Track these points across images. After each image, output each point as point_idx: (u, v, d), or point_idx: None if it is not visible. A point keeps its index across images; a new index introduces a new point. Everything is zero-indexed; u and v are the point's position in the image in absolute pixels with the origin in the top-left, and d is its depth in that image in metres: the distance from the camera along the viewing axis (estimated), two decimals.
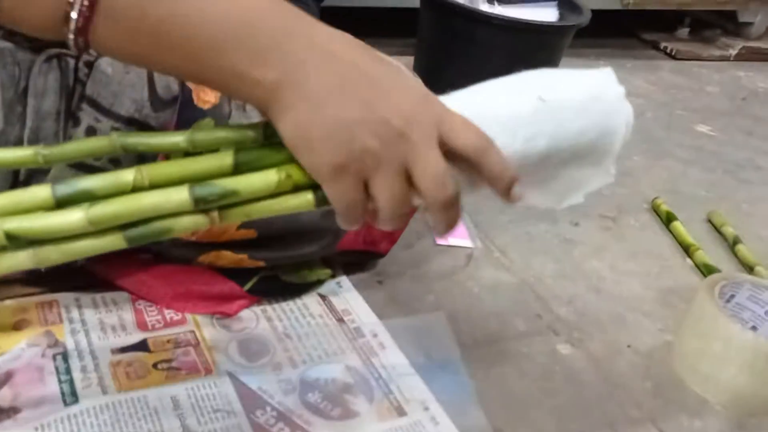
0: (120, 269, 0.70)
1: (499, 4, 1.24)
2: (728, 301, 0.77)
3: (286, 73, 0.39)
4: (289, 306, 0.74)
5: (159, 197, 0.40)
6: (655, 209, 1.07)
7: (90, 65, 0.59)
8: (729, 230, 1.02)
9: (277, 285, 0.74)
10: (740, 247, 0.98)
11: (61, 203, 0.40)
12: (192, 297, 0.70)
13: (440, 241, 0.90)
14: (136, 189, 0.41)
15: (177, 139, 0.42)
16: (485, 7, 1.19)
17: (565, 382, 0.72)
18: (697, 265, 0.95)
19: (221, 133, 0.43)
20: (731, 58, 1.87)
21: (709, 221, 1.07)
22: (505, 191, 0.43)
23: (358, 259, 0.80)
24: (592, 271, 0.90)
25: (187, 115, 0.63)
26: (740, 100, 1.63)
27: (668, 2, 1.74)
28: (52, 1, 0.38)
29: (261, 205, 0.42)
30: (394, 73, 0.42)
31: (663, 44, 1.84)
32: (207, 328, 0.69)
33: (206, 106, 0.65)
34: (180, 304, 0.70)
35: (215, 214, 0.41)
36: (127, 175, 0.41)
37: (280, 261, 0.73)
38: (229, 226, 0.68)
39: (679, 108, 1.51)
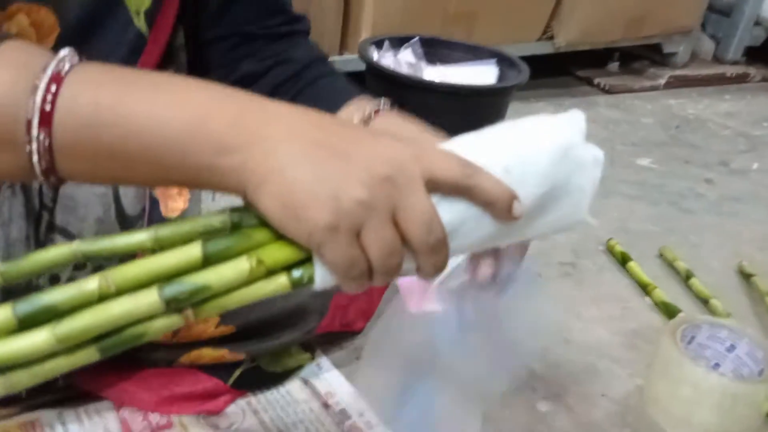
0: (100, 379, 0.70)
1: (441, 64, 1.29)
2: (690, 342, 0.81)
3: (252, 151, 0.38)
4: (273, 395, 0.75)
5: (128, 304, 0.39)
6: (610, 250, 1.12)
7: (55, 188, 0.60)
8: (681, 265, 1.07)
9: (260, 376, 0.75)
10: (693, 281, 1.03)
11: (24, 323, 0.38)
12: (176, 399, 0.71)
13: (413, 309, 0.92)
14: (102, 297, 0.39)
15: (141, 237, 0.40)
16: (429, 70, 1.23)
17: None
18: (656, 304, 0.99)
19: (186, 227, 0.41)
20: (661, 88, 1.97)
21: (661, 256, 1.12)
22: (506, 209, 0.41)
23: (335, 338, 0.82)
24: (560, 322, 0.94)
25: None
26: (674, 129, 1.72)
27: (597, 41, 1.83)
28: (13, 156, 0.39)
29: (235, 296, 0.40)
30: (360, 127, 0.41)
31: (596, 80, 1.93)
32: (195, 429, 0.69)
33: (175, 214, 0.67)
34: (165, 407, 0.70)
35: (189, 311, 0.40)
36: (92, 284, 0.39)
37: (261, 351, 0.74)
38: (207, 326, 0.69)
39: (619, 143, 1.59)
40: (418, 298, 0.96)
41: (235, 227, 0.41)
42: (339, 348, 0.83)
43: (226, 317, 0.71)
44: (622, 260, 1.08)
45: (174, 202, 0.67)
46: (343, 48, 1.48)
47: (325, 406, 0.74)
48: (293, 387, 0.76)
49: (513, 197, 0.41)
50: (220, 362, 0.72)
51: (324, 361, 0.80)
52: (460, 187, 0.40)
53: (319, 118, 0.40)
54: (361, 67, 1.23)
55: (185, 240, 0.40)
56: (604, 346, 0.90)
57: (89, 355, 0.39)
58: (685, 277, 1.05)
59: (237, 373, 0.73)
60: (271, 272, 0.40)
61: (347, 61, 1.46)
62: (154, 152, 0.38)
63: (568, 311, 0.96)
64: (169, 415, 0.70)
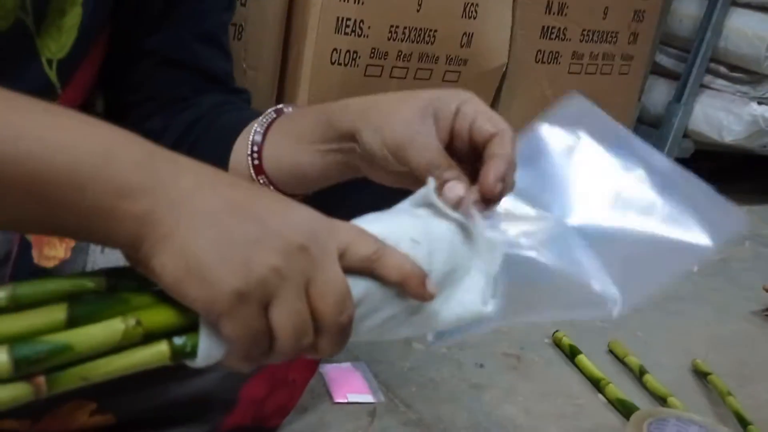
0: None
1: None
2: None
3: (158, 198, 0.34)
4: None
5: None
6: (557, 343, 1.02)
7: None
8: (633, 360, 0.99)
9: None
10: (648, 378, 0.94)
11: None
12: None
13: (338, 399, 0.79)
14: None
15: None
16: None
17: None
18: (610, 401, 0.89)
19: (51, 285, 0.35)
20: None
21: (611, 352, 1.03)
22: (419, 284, 0.39)
23: None
24: (507, 418, 0.83)
25: (23, 277, 0.51)
26: None
27: None
28: None
29: (102, 363, 0.34)
30: (275, 194, 0.40)
31: None
32: None
33: (51, 264, 0.54)
34: None
35: (41, 379, 0.33)
36: None
37: None
38: (80, 414, 0.55)
39: None
40: (344, 386, 0.83)
41: (111, 290, 0.36)
42: None
43: (104, 403, 0.57)
44: (571, 353, 0.99)
45: (52, 248, 0.54)
46: None
47: None
48: None
49: (424, 273, 0.39)
50: None
51: None
52: (372, 264, 0.38)
53: (233, 178, 0.39)
54: None
55: (50, 301, 0.35)
56: None
57: None
58: (639, 374, 0.96)
59: None
60: (149, 337, 0.35)
61: None
62: (40, 186, 0.33)
63: (515, 406, 0.85)
64: None
